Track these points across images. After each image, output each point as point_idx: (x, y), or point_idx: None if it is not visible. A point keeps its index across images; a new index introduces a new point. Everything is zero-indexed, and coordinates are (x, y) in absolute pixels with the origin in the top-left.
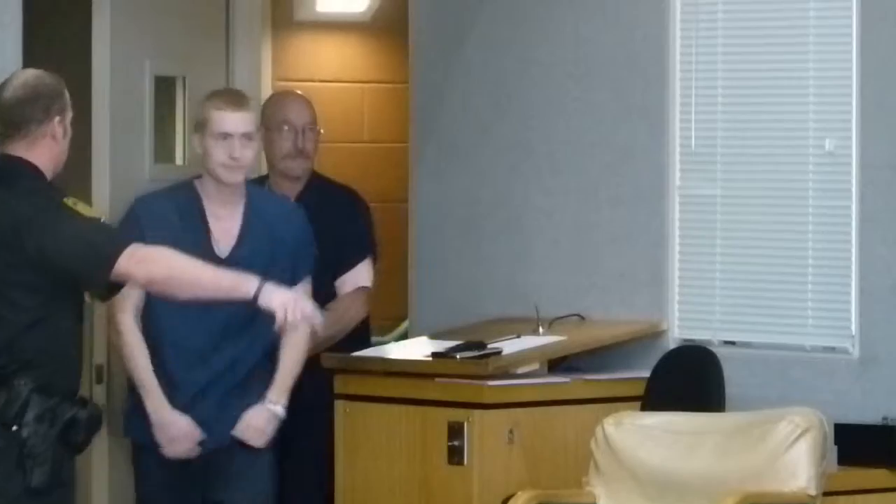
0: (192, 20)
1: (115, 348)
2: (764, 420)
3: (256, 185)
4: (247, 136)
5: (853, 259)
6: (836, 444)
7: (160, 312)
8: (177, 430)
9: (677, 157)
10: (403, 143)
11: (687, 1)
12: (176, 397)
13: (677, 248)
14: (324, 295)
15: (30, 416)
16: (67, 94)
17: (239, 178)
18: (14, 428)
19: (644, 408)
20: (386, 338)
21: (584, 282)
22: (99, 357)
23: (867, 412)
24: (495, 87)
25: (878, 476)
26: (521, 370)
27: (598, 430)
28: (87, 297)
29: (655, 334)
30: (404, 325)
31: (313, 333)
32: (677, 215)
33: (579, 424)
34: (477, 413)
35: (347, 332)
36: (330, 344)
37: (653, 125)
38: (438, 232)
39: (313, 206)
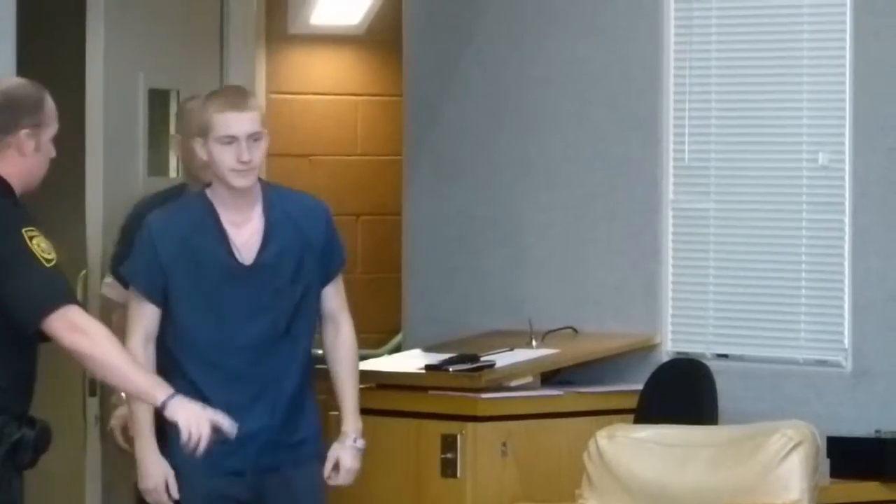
0: (186, 33)
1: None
2: (757, 433)
3: (273, 184)
4: (253, 137)
5: (846, 273)
6: (828, 457)
7: (187, 324)
8: (153, 483)
9: (671, 171)
10: (397, 156)
11: (681, 17)
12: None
13: (671, 261)
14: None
15: None
16: (50, 110)
17: (251, 181)
18: None
19: (637, 421)
20: (379, 351)
21: (578, 295)
22: None
23: (860, 425)
24: (490, 102)
25: (871, 489)
26: (514, 383)
27: (591, 443)
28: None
29: (649, 347)
30: (398, 338)
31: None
32: (671, 229)
33: (572, 437)
34: (470, 426)
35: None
36: None
37: (647, 139)
38: (432, 245)
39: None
